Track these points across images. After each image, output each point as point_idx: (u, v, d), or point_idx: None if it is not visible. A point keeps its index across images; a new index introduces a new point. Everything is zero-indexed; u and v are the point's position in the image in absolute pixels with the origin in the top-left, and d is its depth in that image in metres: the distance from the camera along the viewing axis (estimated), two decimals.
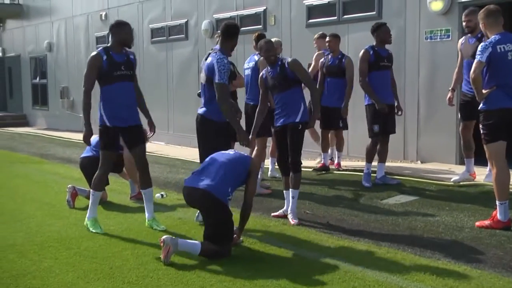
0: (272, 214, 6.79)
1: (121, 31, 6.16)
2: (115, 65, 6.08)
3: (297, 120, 6.36)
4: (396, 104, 8.17)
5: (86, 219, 6.34)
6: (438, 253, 5.18)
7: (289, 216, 6.48)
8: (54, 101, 21.50)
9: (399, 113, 8.23)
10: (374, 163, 8.16)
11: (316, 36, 9.55)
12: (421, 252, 5.24)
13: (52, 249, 5.60)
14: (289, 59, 6.40)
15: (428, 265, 4.87)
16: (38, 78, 23.32)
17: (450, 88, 7.81)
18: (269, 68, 6.51)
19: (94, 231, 6.18)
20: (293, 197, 6.46)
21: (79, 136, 15.37)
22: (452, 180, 7.99)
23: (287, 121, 6.40)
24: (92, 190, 6.42)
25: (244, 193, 5.60)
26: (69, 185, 7.73)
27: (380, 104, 7.78)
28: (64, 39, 21.08)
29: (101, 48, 6.26)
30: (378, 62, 7.93)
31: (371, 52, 7.94)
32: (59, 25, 21.30)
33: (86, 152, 7.99)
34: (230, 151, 5.72)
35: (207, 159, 5.63)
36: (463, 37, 7.39)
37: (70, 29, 20.60)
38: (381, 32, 7.96)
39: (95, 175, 6.38)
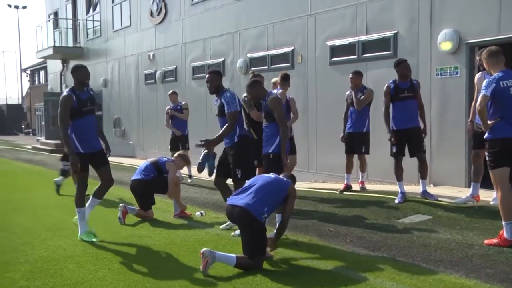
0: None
1: (79, 73, 6.51)
2: (82, 102, 6.40)
3: (270, 151, 6.50)
4: (422, 127, 8.20)
5: (78, 234, 6.55)
6: (450, 268, 5.07)
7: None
8: (108, 130, 21.78)
9: (423, 135, 8.22)
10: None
11: (273, 80, 9.16)
12: (435, 267, 5.14)
13: (106, 260, 5.64)
14: (269, 97, 6.47)
15: (442, 279, 4.76)
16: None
17: (469, 120, 7.67)
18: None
19: (87, 240, 6.42)
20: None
21: (129, 161, 15.56)
22: (455, 201, 7.87)
23: (264, 150, 6.62)
24: (77, 208, 6.62)
25: (282, 212, 5.64)
26: (121, 204, 7.79)
27: (389, 133, 8.15)
28: (117, 76, 21.48)
29: (68, 89, 6.53)
30: (398, 94, 8.09)
31: (392, 86, 8.14)
32: (113, 64, 21.72)
33: (136, 175, 8.08)
34: (271, 175, 5.72)
35: (249, 181, 5.67)
36: (480, 73, 7.29)
37: (122, 67, 20.98)
38: (400, 68, 8.13)
39: (76, 194, 6.65)
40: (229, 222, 6.71)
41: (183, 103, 12.36)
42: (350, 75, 9.10)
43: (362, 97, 8.93)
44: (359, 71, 9.29)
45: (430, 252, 5.65)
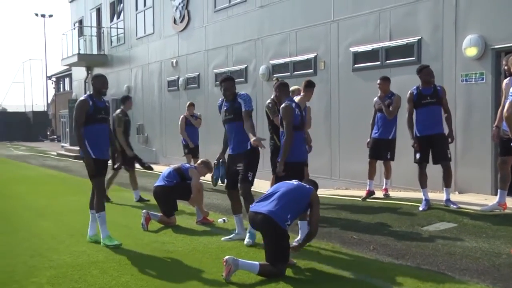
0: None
1: (97, 81, 6.78)
2: (98, 109, 6.62)
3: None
4: (447, 133, 8.12)
5: (101, 239, 6.63)
6: (477, 277, 4.99)
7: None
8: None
9: (450, 140, 8.12)
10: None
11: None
12: (461, 275, 5.06)
13: (129, 266, 5.67)
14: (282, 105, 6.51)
15: None
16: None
17: (494, 125, 7.55)
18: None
19: (111, 244, 6.50)
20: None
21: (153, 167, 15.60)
22: (481, 209, 7.74)
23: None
24: (97, 213, 6.73)
25: (309, 220, 5.70)
26: (144, 211, 7.84)
27: (412, 139, 8.12)
28: (140, 83, 21.67)
29: (86, 95, 6.75)
30: (421, 100, 8.06)
31: (415, 93, 8.12)
32: (137, 71, 21.92)
33: (159, 182, 8.13)
34: (294, 182, 5.70)
35: (272, 188, 5.66)
36: (508, 78, 7.15)
37: (146, 74, 21.17)
38: (422, 74, 8.08)
39: (95, 199, 6.76)
40: (233, 235, 6.74)
41: (198, 114, 13.01)
42: (378, 81, 9.07)
43: (391, 107, 8.89)
44: (387, 76, 9.23)
45: (456, 260, 5.57)
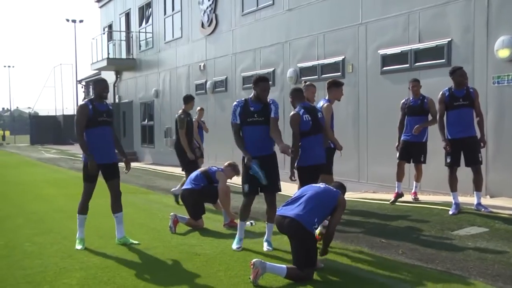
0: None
1: (97, 86, 6.88)
2: (98, 112, 6.71)
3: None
4: (479, 137, 8.00)
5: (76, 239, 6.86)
6: (510, 283, 4.90)
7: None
8: (159, 140, 22.20)
9: (482, 144, 8.00)
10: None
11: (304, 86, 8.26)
12: (493, 282, 4.97)
13: (157, 268, 5.72)
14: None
15: None
16: (146, 120, 24.22)
17: None
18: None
19: (79, 247, 6.69)
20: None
21: (180, 170, 15.73)
22: None
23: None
24: (78, 214, 6.93)
25: (328, 222, 5.58)
26: (172, 213, 7.90)
27: (444, 141, 7.98)
28: (168, 86, 21.85)
29: (87, 100, 6.90)
30: (453, 102, 7.95)
31: (447, 94, 8.01)
32: (165, 75, 22.12)
33: (186, 185, 8.19)
34: (321, 185, 5.69)
35: (298, 191, 5.64)
36: None
37: (173, 78, 21.34)
38: (455, 75, 7.97)
39: (80, 202, 6.91)
40: (240, 245, 6.52)
41: (203, 119, 13.42)
42: (412, 83, 8.95)
43: (430, 114, 8.77)
44: (417, 79, 9.14)
45: (488, 266, 5.48)
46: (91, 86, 7.01)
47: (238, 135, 6.47)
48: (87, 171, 6.74)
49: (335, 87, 7.96)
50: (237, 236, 6.66)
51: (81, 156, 7.04)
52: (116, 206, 7.03)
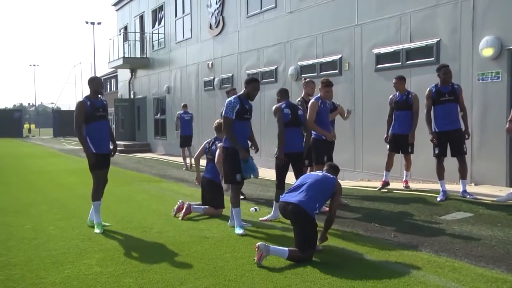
0: (261, 218, 7.28)
1: (93, 83, 6.89)
2: (96, 108, 6.77)
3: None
4: (464, 129, 8.01)
5: (93, 223, 6.96)
6: (492, 264, 4.91)
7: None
8: (171, 133, 22.20)
9: (466, 136, 8.00)
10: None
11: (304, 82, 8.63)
12: (476, 262, 4.99)
13: (169, 251, 5.75)
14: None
15: (483, 274, 4.63)
16: (159, 114, 24.23)
17: (508, 120, 7.40)
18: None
19: (98, 231, 6.71)
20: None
21: (189, 162, 15.75)
22: (496, 199, 7.60)
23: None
24: (92, 201, 6.97)
25: (329, 207, 5.59)
26: (180, 200, 7.83)
27: (430, 134, 8.03)
28: (179, 83, 21.85)
29: (84, 97, 6.89)
30: (439, 98, 7.95)
31: (433, 90, 8.02)
32: (176, 72, 22.10)
33: (206, 173, 8.02)
34: (319, 173, 5.71)
35: (299, 180, 5.66)
36: None
37: (184, 75, 21.33)
38: (441, 72, 7.98)
39: (92, 189, 6.97)
40: (243, 231, 6.49)
41: (190, 112, 16.64)
42: (394, 80, 8.92)
43: (413, 109, 8.74)
44: (402, 76, 9.06)
45: (472, 248, 5.49)
46: (87, 84, 6.96)
47: (233, 129, 6.57)
48: (91, 161, 6.81)
49: (326, 87, 7.74)
50: (236, 222, 6.66)
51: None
52: (99, 193, 7.08)
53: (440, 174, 8.07)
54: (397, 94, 8.97)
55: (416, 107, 8.74)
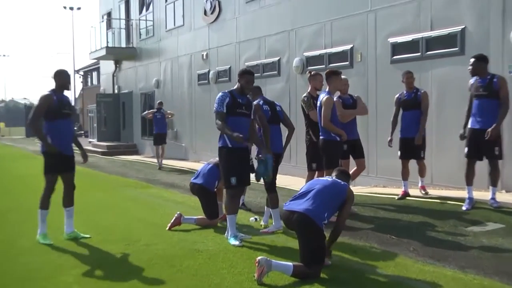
0: (262, 230, 7.27)
1: (61, 77, 6.87)
2: (63, 104, 6.79)
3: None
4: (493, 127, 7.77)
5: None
6: None
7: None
8: None
9: (486, 136, 7.71)
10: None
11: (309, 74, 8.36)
12: (509, 280, 4.93)
13: (158, 266, 5.70)
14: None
15: None
16: (146, 112, 24.17)
17: None
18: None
19: (43, 242, 6.70)
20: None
21: (182, 164, 15.74)
22: None
23: None
24: (39, 209, 6.94)
25: (337, 217, 5.52)
26: (178, 213, 7.73)
27: (462, 130, 8.00)
28: (170, 76, 21.85)
29: (50, 90, 6.85)
30: (474, 92, 7.84)
31: (472, 82, 7.90)
32: (166, 64, 22.10)
33: (200, 179, 7.89)
34: (328, 178, 5.66)
35: (305, 186, 5.62)
36: None
37: (175, 67, 21.32)
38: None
39: (41, 196, 6.92)
40: (239, 242, 6.51)
41: (168, 111, 18.38)
42: (406, 75, 8.91)
43: (422, 107, 8.77)
44: (410, 71, 9.08)
45: (503, 264, 5.43)
46: (52, 77, 6.93)
47: (226, 123, 6.56)
48: (48, 162, 6.77)
49: (334, 75, 7.63)
50: (230, 232, 6.66)
51: (40, 146, 7.05)
52: (68, 200, 7.07)
53: (469, 179, 7.96)
54: (404, 92, 8.99)
55: (425, 105, 8.73)
